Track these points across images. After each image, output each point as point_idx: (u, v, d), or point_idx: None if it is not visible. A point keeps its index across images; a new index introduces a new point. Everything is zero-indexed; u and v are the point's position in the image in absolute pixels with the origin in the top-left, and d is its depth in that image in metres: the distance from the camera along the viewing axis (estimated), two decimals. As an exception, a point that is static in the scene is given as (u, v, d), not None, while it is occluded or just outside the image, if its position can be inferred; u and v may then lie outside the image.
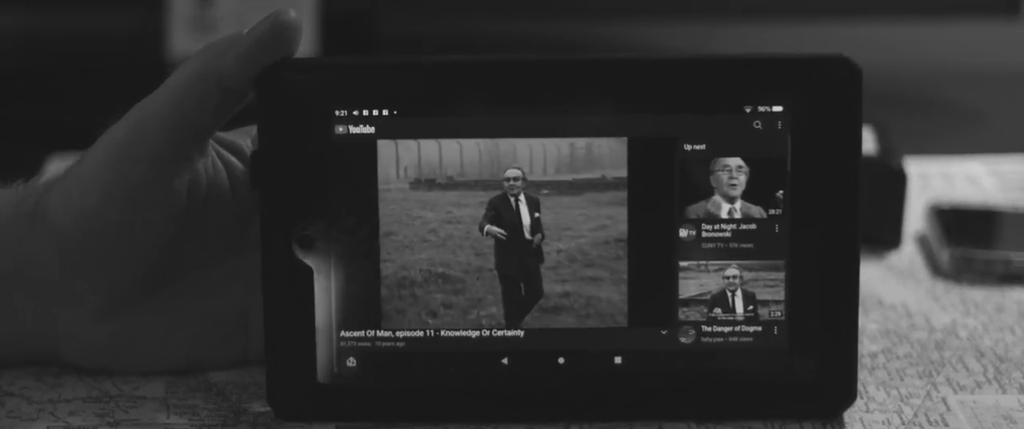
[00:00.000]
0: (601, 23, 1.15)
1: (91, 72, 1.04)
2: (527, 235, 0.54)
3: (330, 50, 0.98)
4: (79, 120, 0.94)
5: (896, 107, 0.99)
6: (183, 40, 0.99)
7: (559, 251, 0.54)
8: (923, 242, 0.75)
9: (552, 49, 1.10)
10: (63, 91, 1.01)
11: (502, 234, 0.54)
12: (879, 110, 0.79)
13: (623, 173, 0.54)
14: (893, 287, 0.69)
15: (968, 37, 1.17)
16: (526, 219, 0.54)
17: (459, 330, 0.55)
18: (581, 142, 0.54)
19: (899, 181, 0.74)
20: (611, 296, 0.53)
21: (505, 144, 0.54)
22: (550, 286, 0.54)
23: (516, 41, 1.10)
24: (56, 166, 0.83)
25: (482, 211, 0.53)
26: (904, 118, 0.95)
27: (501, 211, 0.54)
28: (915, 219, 0.77)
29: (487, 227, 0.53)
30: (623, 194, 0.54)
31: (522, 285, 0.54)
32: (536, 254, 0.54)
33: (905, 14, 1.09)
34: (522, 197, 0.54)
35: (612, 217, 0.54)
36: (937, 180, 0.85)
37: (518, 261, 0.54)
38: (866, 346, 0.61)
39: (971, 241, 0.72)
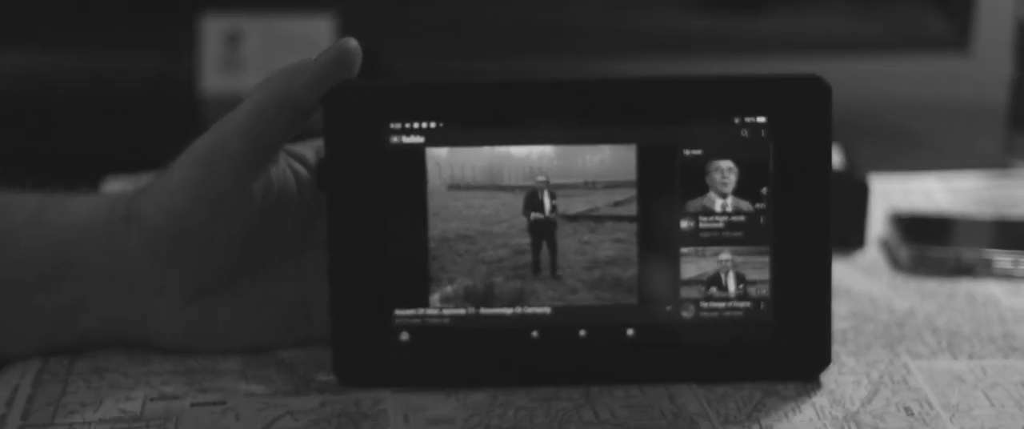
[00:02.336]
0: (585, 60, 1.23)
1: (133, 108, 1.12)
2: (547, 213, 0.63)
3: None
4: (127, 151, 1.03)
5: (861, 133, 1.04)
6: (214, 78, 1.07)
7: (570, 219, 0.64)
8: (884, 244, 0.84)
9: None
10: (110, 125, 1.08)
11: (542, 216, 0.63)
12: (845, 134, 0.89)
13: (634, 176, 0.63)
14: (859, 280, 0.78)
15: (923, 71, 1.23)
16: (547, 205, 0.63)
17: (495, 308, 0.64)
18: (598, 149, 0.63)
19: (863, 191, 0.83)
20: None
21: (533, 150, 0.63)
22: (563, 241, 0.64)
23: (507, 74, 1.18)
24: (112, 186, 0.91)
25: (492, 201, 0.63)
26: (868, 143, 1.00)
27: (533, 200, 0.63)
28: (877, 227, 0.86)
29: (532, 215, 0.63)
30: (633, 192, 0.63)
31: (544, 242, 0.63)
32: (553, 224, 0.63)
33: (868, 50, 1.16)
34: (546, 191, 0.63)
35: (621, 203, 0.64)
36: (897, 195, 0.93)
37: (542, 227, 0.63)
38: (837, 324, 0.70)
39: (926, 240, 0.81)
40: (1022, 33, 1.01)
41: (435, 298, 0.63)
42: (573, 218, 0.64)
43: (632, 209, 0.63)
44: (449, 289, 0.63)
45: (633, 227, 0.64)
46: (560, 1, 1.16)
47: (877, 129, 1.16)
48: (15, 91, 1.19)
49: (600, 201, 0.63)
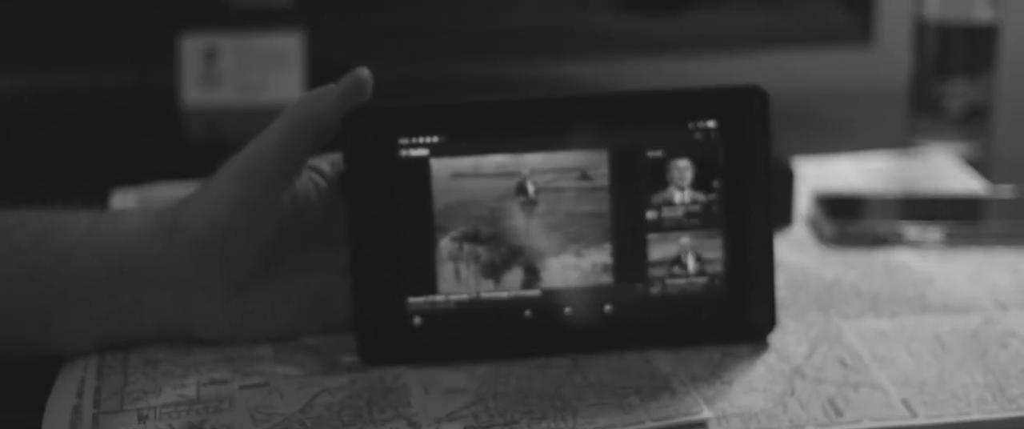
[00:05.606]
0: (524, 62, 1.33)
1: (119, 121, 1.18)
2: (531, 195, 0.74)
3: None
4: (116, 160, 1.12)
5: (780, 120, 1.18)
6: (193, 92, 1.15)
7: (547, 198, 0.74)
8: (810, 221, 0.96)
9: (503, 85, 1.28)
10: (99, 137, 1.14)
11: (525, 200, 0.74)
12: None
13: (606, 173, 0.74)
14: (791, 254, 0.90)
15: (832, 61, 1.34)
16: (531, 189, 0.74)
17: (494, 293, 0.75)
18: (575, 154, 0.74)
19: (789, 176, 0.94)
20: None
21: (520, 157, 0.74)
22: (539, 218, 0.74)
23: (473, 79, 1.27)
24: (121, 198, 1.00)
25: (479, 182, 0.74)
26: (785, 129, 1.13)
27: (520, 187, 0.74)
28: (801, 204, 0.98)
29: (519, 198, 0.74)
30: (606, 188, 0.74)
31: (528, 213, 0.74)
32: (534, 202, 0.74)
33: (779, 44, 1.27)
34: (529, 180, 0.74)
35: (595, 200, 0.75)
36: (816, 177, 1.05)
37: (521, 205, 0.74)
38: (777, 293, 0.82)
39: (846, 216, 0.93)
40: (919, 29, 1.14)
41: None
42: (552, 190, 0.74)
43: (604, 195, 0.74)
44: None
45: (606, 218, 0.74)
46: (502, 4, 1.27)
47: (792, 117, 1.27)
48: (6, 108, 1.26)
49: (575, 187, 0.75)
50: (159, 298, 0.74)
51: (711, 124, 0.75)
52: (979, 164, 1.11)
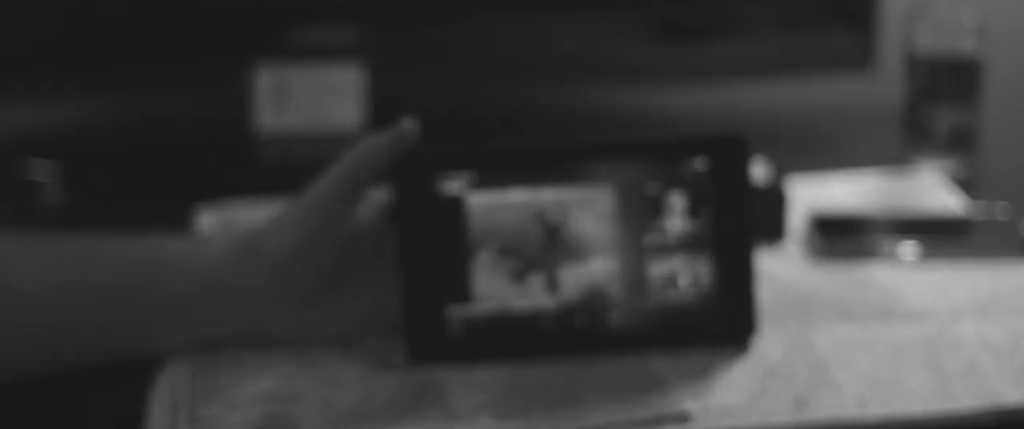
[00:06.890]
0: (562, 87, 1.44)
1: (198, 144, 1.32)
2: (549, 219, 0.87)
3: (377, 122, 1.27)
4: (196, 180, 1.27)
5: (783, 140, 1.25)
6: (266, 118, 1.27)
7: (562, 222, 0.89)
8: (801, 236, 1.09)
9: (544, 112, 1.40)
10: (180, 159, 1.28)
11: (545, 222, 0.88)
12: (771, 143, 1.09)
13: (612, 205, 0.89)
14: (779, 267, 1.01)
15: (832, 86, 1.42)
16: (550, 215, 0.87)
17: (519, 304, 0.89)
18: (585, 188, 0.88)
19: (780, 198, 1.06)
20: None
21: (541, 190, 0.89)
22: (556, 236, 0.88)
23: (520, 106, 1.39)
24: (207, 217, 1.14)
25: (512, 216, 0.88)
26: (789, 148, 1.23)
27: (541, 213, 0.88)
28: (796, 221, 1.10)
29: (541, 222, 0.88)
30: (611, 215, 0.89)
31: (548, 232, 0.88)
32: (552, 225, 0.88)
33: (791, 69, 1.38)
34: (549, 208, 0.88)
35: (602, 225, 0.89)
36: (814, 194, 1.16)
37: (544, 229, 0.88)
38: (761, 302, 0.95)
39: (832, 233, 1.05)
40: (910, 61, 1.27)
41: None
42: (567, 215, 0.88)
43: (612, 226, 0.88)
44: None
45: (609, 239, 0.89)
46: (541, 31, 1.40)
47: (801, 136, 1.38)
48: (97, 132, 1.39)
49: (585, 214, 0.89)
50: (240, 313, 0.89)
51: (701, 162, 0.89)
52: (966, 183, 1.22)
